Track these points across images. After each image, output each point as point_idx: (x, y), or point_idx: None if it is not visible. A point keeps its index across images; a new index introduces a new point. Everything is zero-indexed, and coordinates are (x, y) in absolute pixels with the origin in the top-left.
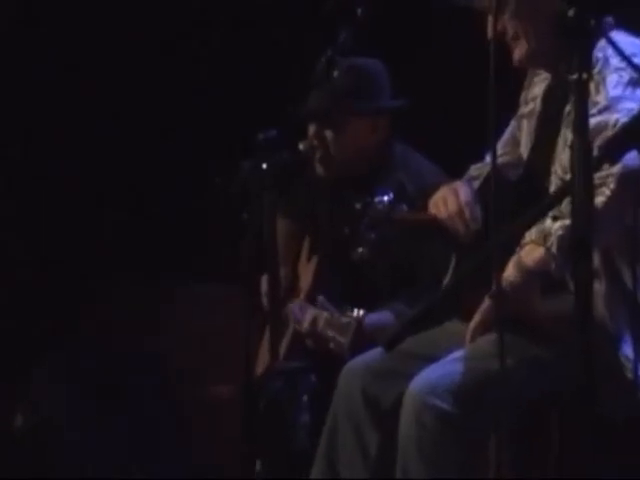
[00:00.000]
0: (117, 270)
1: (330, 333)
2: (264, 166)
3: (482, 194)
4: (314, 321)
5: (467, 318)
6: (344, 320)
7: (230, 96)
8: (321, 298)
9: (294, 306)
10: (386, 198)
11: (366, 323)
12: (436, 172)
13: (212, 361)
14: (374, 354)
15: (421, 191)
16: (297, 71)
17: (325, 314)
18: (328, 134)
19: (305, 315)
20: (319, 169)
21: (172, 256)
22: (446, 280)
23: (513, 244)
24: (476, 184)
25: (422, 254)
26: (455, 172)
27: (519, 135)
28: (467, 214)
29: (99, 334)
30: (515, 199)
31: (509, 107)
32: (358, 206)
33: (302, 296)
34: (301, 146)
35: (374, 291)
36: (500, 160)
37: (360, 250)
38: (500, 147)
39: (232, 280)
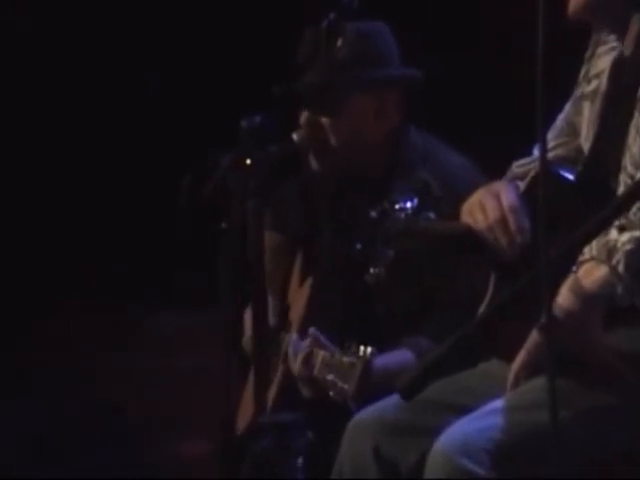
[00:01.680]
0: (59, 301)
1: (329, 377)
2: (248, 162)
3: (530, 198)
4: (307, 362)
5: (509, 357)
6: (347, 361)
7: (205, 73)
8: (313, 330)
9: (289, 340)
10: (409, 204)
11: (376, 365)
12: (470, 169)
13: (182, 412)
14: (389, 404)
15: (452, 194)
16: (289, 41)
17: (322, 353)
18: (323, 119)
19: (297, 354)
20: (313, 164)
21: (129, 280)
22: (482, 308)
23: (569, 262)
24: (522, 185)
25: (452, 275)
26: (494, 170)
27: (578, 122)
28: (511, 223)
29: (40, 381)
30: (572, 204)
31: (564, 85)
32: (374, 214)
33: (293, 329)
34: (295, 136)
35: (388, 324)
36: (552, 154)
37: (375, 271)
38: (552, 137)
39: (206, 310)
